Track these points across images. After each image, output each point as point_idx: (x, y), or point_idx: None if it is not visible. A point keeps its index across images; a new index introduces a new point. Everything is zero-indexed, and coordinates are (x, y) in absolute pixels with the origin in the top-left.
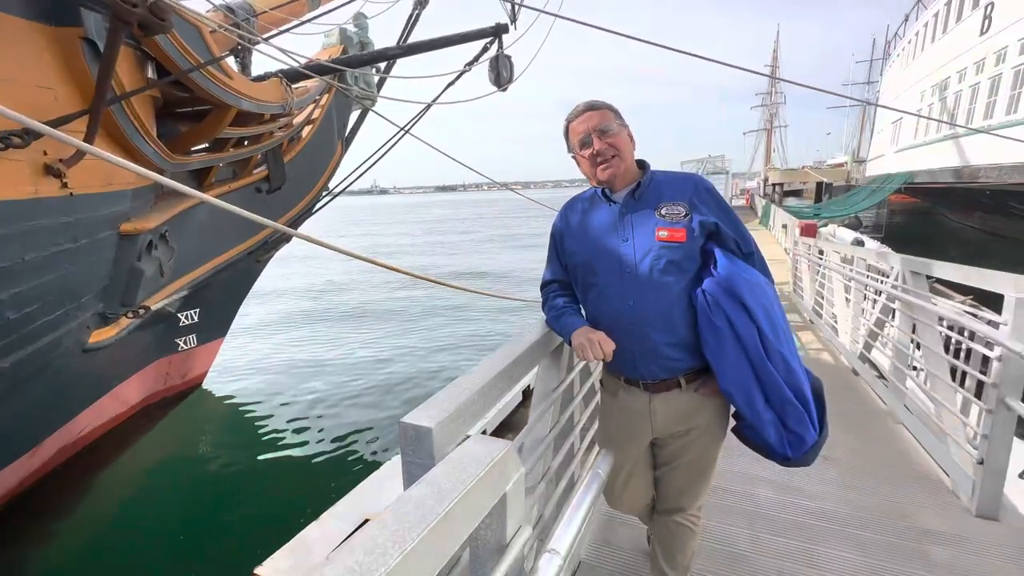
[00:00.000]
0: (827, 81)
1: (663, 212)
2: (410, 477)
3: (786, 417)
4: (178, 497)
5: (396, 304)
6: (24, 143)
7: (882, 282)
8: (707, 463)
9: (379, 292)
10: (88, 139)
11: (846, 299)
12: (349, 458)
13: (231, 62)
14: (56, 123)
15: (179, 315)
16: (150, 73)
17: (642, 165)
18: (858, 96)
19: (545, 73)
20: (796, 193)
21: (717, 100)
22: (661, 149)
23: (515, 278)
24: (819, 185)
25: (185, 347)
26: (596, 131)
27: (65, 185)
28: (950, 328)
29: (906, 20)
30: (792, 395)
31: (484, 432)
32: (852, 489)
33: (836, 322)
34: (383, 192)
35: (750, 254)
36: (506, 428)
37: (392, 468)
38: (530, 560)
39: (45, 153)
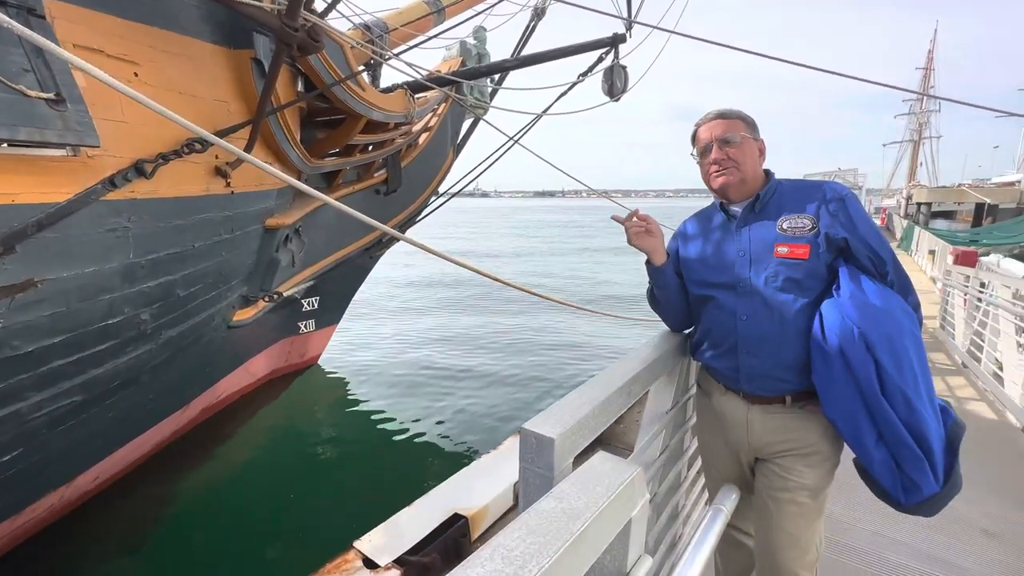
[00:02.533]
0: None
1: (785, 226)
2: (528, 485)
3: (900, 459)
4: (289, 462)
5: (518, 302)
6: (204, 148)
7: None
8: (812, 493)
9: (497, 295)
10: (249, 146)
11: (1018, 344)
12: (441, 449)
13: (364, 75)
14: (226, 132)
15: (303, 301)
16: (300, 87)
17: (767, 175)
18: None
19: (658, 79)
20: (948, 215)
21: (852, 106)
22: (784, 162)
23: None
24: (979, 207)
25: (305, 330)
26: (718, 140)
27: (228, 184)
28: None
29: None
30: (911, 438)
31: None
32: (1021, 574)
33: (1000, 369)
34: (484, 195)
35: (886, 274)
36: (596, 442)
37: (482, 467)
38: None
39: (216, 157)
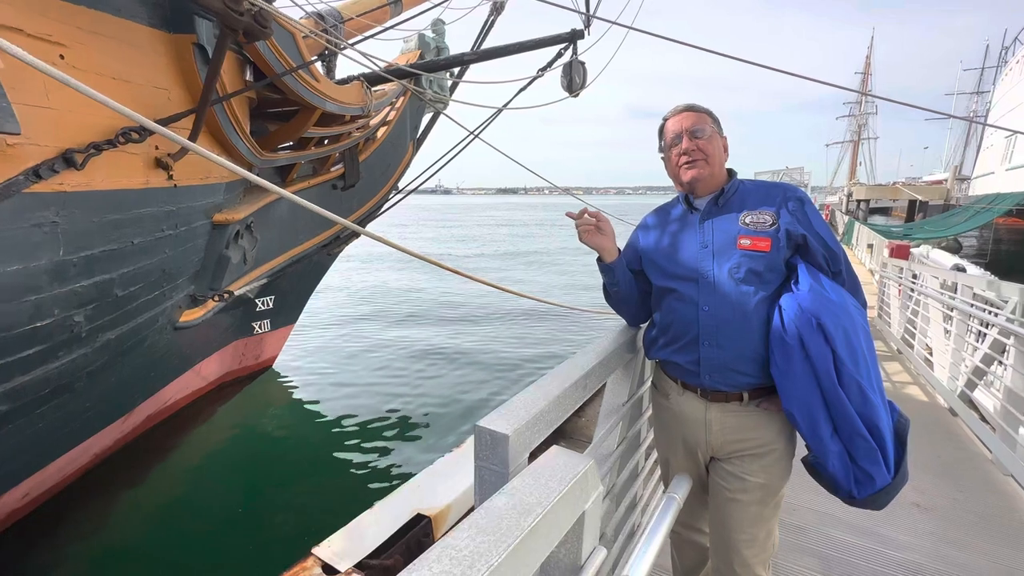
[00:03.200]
0: (930, 91)
1: (747, 220)
2: (483, 482)
3: (855, 451)
4: (244, 469)
5: (468, 306)
6: (141, 138)
7: (994, 314)
8: (769, 494)
9: (452, 291)
10: (193, 136)
11: (945, 330)
12: (402, 450)
13: (318, 66)
14: (167, 121)
15: (256, 301)
16: (248, 76)
17: (730, 174)
18: (965, 108)
19: (618, 79)
20: (884, 211)
21: (798, 109)
22: (734, 160)
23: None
24: (912, 203)
25: (260, 331)
26: (688, 131)
27: (171, 177)
28: None
29: None
30: (865, 429)
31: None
32: (951, 544)
33: (931, 354)
34: (447, 192)
35: (839, 272)
36: (559, 436)
37: (444, 466)
38: None
39: (156, 147)
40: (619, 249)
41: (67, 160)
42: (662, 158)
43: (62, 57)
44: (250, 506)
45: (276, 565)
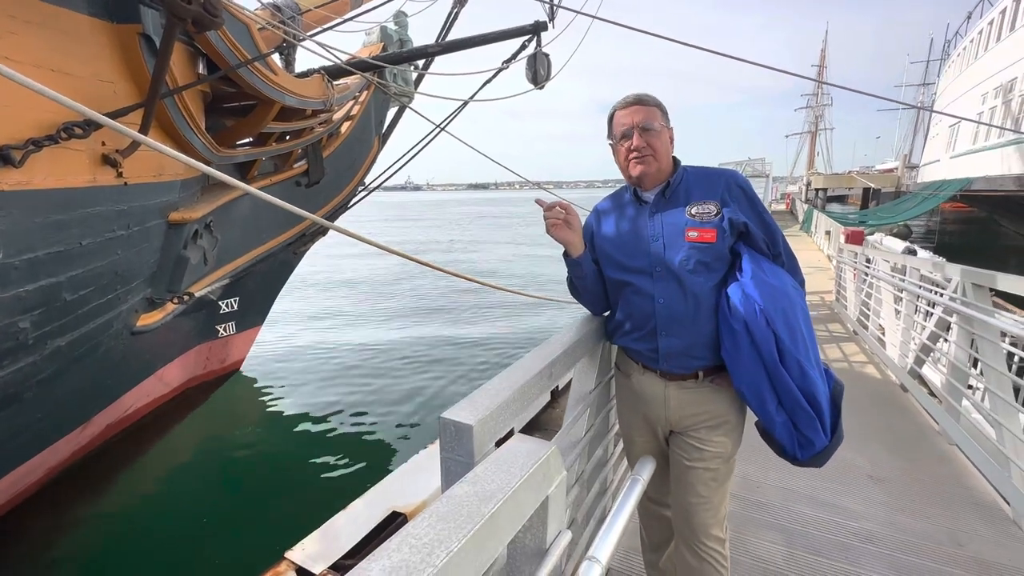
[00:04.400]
0: (879, 82)
1: (693, 212)
2: (449, 473)
3: (797, 420)
4: (213, 478)
5: (432, 300)
6: (85, 134)
7: (939, 294)
8: (724, 459)
9: (416, 287)
10: (143, 131)
11: (895, 311)
12: (377, 449)
13: (276, 59)
14: (114, 115)
15: (220, 303)
16: (201, 69)
17: (675, 163)
18: (913, 99)
19: (583, 72)
20: (840, 199)
21: (759, 103)
22: (697, 153)
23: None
24: (866, 191)
25: (224, 333)
26: (638, 127)
27: (120, 175)
28: (1013, 344)
29: (968, 18)
30: (805, 400)
31: (512, 431)
32: (900, 511)
33: (883, 334)
34: (416, 188)
35: (778, 255)
36: (534, 428)
37: (419, 462)
38: (566, 565)
39: (103, 144)
40: (585, 243)
41: (3, 157)
42: (610, 145)
43: None
44: (220, 513)
45: (249, 572)
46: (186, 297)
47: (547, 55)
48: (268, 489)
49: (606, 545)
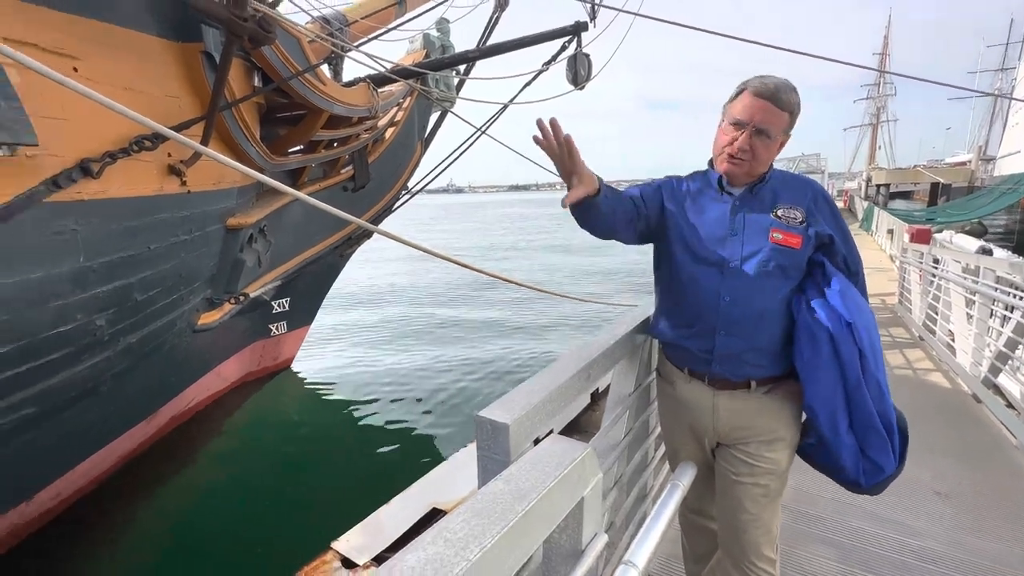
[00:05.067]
0: (950, 68)
1: (780, 214)
2: (485, 471)
3: (867, 444)
4: (265, 469)
5: (483, 303)
6: (154, 146)
7: (1019, 297)
8: (776, 475)
9: (466, 291)
10: (204, 141)
11: (968, 315)
12: (421, 445)
13: (324, 69)
14: (178, 128)
15: (272, 303)
16: (256, 82)
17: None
18: (989, 85)
19: (626, 69)
20: (905, 195)
21: (813, 94)
22: None
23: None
24: (934, 186)
25: (277, 332)
26: (755, 128)
27: (184, 183)
28: None
29: None
30: (880, 424)
31: (551, 432)
32: (969, 531)
33: (953, 340)
34: (459, 191)
35: (856, 274)
36: (573, 430)
37: (460, 460)
38: (603, 569)
39: (169, 155)
40: (598, 177)
41: (84, 169)
42: (719, 125)
43: (75, 70)
44: (269, 502)
45: (295, 559)
46: (242, 297)
47: (587, 55)
48: (314, 478)
49: (644, 550)
